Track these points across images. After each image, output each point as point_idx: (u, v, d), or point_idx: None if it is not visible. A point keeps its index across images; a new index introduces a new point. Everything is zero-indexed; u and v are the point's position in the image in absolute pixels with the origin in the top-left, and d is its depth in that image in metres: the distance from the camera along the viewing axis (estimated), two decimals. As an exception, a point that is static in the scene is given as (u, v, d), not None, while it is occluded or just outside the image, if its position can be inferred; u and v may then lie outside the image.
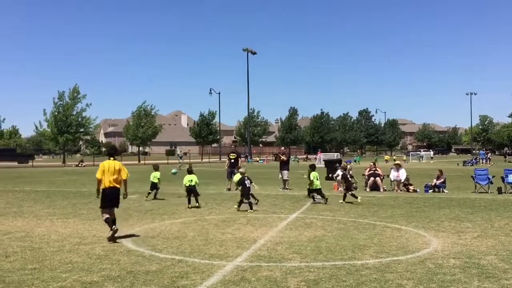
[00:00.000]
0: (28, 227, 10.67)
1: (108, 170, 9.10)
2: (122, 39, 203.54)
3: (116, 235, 9.05)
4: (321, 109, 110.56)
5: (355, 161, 56.37)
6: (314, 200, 15.39)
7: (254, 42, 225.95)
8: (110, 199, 9.09)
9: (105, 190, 9.08)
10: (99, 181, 9.10)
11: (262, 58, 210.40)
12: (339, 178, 20.06)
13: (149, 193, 16.41)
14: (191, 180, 14.28)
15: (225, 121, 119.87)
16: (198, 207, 13.97)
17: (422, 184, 20.68)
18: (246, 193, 13.68)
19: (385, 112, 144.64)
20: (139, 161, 62.81)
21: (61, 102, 59.34)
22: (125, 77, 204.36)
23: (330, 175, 25.23)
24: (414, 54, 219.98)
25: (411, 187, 19.76)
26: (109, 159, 9.35)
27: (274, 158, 64.84)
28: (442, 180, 19.86)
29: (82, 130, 61.32)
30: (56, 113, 58.81)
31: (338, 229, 10.49)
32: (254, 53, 73.55)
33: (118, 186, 9.16)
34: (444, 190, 19.35)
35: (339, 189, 19.77)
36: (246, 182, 13.84)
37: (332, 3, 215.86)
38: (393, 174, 20.40)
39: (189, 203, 14.17)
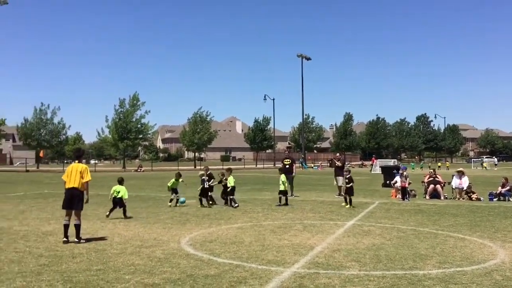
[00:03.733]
0: (92, 229, 11.10)
1: (70, 172, 9.44)
2: (179, 47, 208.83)
3: (174, 238, 9.26)
4: (377, 115, 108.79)
5: (413, 168, 54.82)
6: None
7: (308, 47, 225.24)
8: (68, 199, 9.38)
9: (65, 191, 9.48)
10: (64, 183, 9.54)
11: (316, 63, 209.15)
12: (397, 185, 19.57)
13: (171, 200, 16.29)
14: (118, 192, 13.29)
15: (279, 127, 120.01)
16: (127, 217, 13.00)
17: (486, 192, 19.79)
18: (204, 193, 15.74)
19: (444, 117, 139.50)
20: (195, 167, 64.02)
21: (121, 109, 61.55)
22: (182, 84, 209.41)
23: (387, 182, 24.65)
24: (475, 56, 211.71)
25: (474, 195, 18.95)
26: (75, 162, 9.72)
27: (329, 164, 64.16)
28: (508, 188, 18.91)
29: (141, 136, 63.26)
30: (117, 120, 61.01)
31: (397, 237, 10.22)
32: (308, 59, 73.39)
33: (78, 187, 9.36)
34: (511, 199, 18.42)
35: (397, 196, 19.28)
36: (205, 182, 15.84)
37: (385, 7, 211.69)
38: (455, 182, 19.65)
39: (109, 212, 13.16)
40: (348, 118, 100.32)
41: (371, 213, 14.60)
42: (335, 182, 20.59)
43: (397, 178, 19.86)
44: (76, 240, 9.36)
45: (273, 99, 77.94)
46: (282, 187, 16.50)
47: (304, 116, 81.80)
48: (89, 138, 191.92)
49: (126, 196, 13.45)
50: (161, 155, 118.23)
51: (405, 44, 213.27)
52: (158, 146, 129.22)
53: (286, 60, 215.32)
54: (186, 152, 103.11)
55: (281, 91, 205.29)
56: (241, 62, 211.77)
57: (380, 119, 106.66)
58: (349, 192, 15.97)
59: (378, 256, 8.21)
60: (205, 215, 13.67)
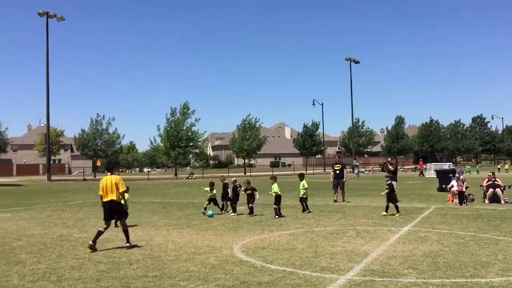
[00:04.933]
0: (147, 236, 11.37)
1: (105, 185, 9.71)
2: (227, 54, 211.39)
3: (226, 245, 9.33)
4: (430, 117, 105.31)
5: (468, 172, 52.82)
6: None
7: (357, 50, 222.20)
8: (108, 211, 9.76)
9: (104, 204, 9.80)
10: (101, 197, 9.85)
11: (365, 66, 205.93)
12: (453, 189, 18.90)
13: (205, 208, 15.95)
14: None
15: (328, 131, 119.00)
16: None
17: (551, 195, 18.74)
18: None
19: (502, 118, 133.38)
20: (245, 173, 64.39)
21: (172, 118, 62.89)
22: (231, 92, 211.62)
23: (443, 186, 23.84)
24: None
25: (538, 199, 17.99)
26: (107, 174, 9.92)
27: (381, 168, 62.91)
28: None
29: (191, 144, 64.31)
30: (168, 129, 62.38)
31: (456, 244, 9.85)
32: (357, 62, 72.42)
33: (115, 199, 9.67)
34: None
35: (454, 201, 18.61)
36: (237, 189, 15.88)
37: (437, 6, 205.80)
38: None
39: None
40: (400, 121, 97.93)
41: (427, 218, 14.16)
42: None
43: (453, 182, 19.16)
44: (128, 244, 9.74)
45: (322, 104, 77.45)
46: (301, 193, 15.90)
47: (354, 120, 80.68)
48: (142, 147, 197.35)
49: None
50: (211, 162, 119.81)
51: (458, 43, 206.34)
52: (208, 153, 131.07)
53: (334, 64, 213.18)
54: (236, 158, 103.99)
55: (329, 95, 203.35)
56: (289, 68, 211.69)
57: (434, 122, 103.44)
58: (393, 199, 15.16)
59: (436, 264, 7.93)
60: (257, 222, 13.70)
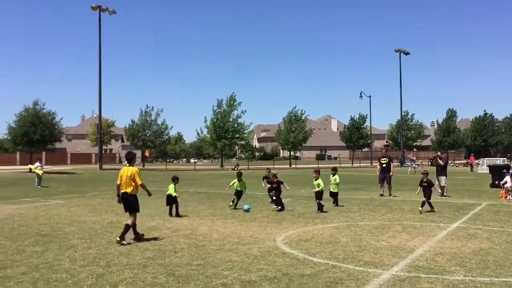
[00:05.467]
0: (193, 225, 11.59)
1: (121, 177, 9.54)
2: (274, 46, 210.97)
3: (270, 236, 9.37)
4: (484, 110, 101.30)
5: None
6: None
7: (406, 42, 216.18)
8: (124, 203, 9.56)
9: (121, 195, 9.59)
10: (118, 186, 9.65)
11: (415, 58, 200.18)
12: (507, 185, 18.16)
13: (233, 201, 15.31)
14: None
15: (376, 124, 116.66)
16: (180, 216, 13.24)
17: None
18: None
19: None
20: (290, 165, 64.35)
21: (219, 110, 63.53)
22: (277, 84, 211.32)
23: (496, 182, 22.95)
24: None
25: None
26: (126, 165, 9.73)
27: (430, 162, 61.28)
28: None
29: (237, 135, 64.79)
30: (215, 120, 63.09)
31: (507, 242, 9.48)
32: (407, 54, 70.62)
33: (128, 192, 9.44)
34: None
35: (508, 197, 17.89)
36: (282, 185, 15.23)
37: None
38: None
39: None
40: (452, 114, 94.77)
41: (477, 215, 13.69)
42: (437, 182, 19.58)
43: (507, 178, 18.41)
44: (118, 239, 9.22)
45: (370, 96, 76.00)
46: (317, 188, 14.52)
47: (403, 113, 78.81)
48: (190, 138, 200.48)
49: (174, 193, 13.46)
50: (257, 154, 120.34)
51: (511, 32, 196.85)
52: (254, 145, 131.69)
53: (384, 56, 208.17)
54: (281, 151, 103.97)
55: (377, 87, 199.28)
56: (336, 59, 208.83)
57: (488, 115, 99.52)
58: (429, 195, 14.43)
59: (485, 261, 7.67)
60: (301, 214, 13.67)
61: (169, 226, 11.51)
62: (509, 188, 17.86)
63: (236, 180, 15.48)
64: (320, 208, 14.19)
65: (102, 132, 65.33)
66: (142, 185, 9.61)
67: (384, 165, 19.64)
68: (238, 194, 15.32)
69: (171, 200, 13.41)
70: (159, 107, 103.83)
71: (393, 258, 7.93)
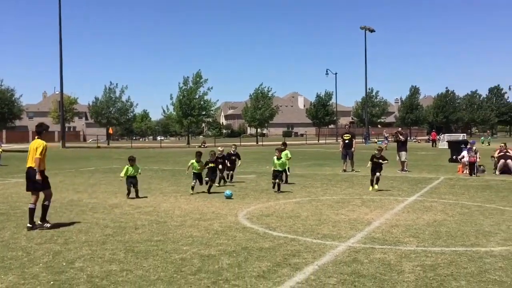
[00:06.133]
0: (155, 202, 11.55)
1: (29, 150, 8.54)
2: (240, 24, 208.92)
3: (232, 212, 9.48)
4: (446, 87, 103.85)
5: (482, 142, 52.33)
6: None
7: (371, 19, 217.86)
8: (27, 178, 8.46)
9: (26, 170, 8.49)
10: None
11: (380, 35, 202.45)
12: (464, 160, 18.78)
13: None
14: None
15: (342, 101, 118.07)
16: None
17: None
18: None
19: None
20: (257, 142, 64.55)
21: (185, 87, 62.85)
22: (244, 61, 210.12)
23: (454, 157, 23.71)
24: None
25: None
26: (35, 138, 8.66)
27: (392, 138, 62.61)
28: None
29: (204, 113, 64.41)
30: (181, 97, 62.44)
31: (461, 213, 9.85)
32: (372, 31, 71.18)
33: (33, 166, 8.32)
34: None
35: (464, 171, 18.52)
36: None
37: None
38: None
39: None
40: (415, 91, 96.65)
41: (434, 188, 14.15)
42: (397, 157, 20.08)
43: (464, 153, 19.04)
44: (39, 223, 8.41)
45: (335, 74, 76.62)
46: (276, 167, 13.37)
47: (368, 90, 79.86)
48: (156, 115, 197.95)
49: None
50: (224, 131, 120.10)
51: (475, 12, 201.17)
52: (221, 123, 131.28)
53: (349, 33, 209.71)
54: (248, 128, 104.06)
55: (343, 65, 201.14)
56: (303, 37, 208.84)
57: (450, 92, 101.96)
58: (379, 171, 13.78)
59: (438, 232, 7.97)
60: (264, 190, 13.80)
61: (131, 203, 11.44)
62: (466, 163, 18.47)
63: (194, 161, 13.54)
64: (279, 187, 13.28)
65: (65, 109, 63.68)
66: (38, 159, 8.28)
67: (347, 141, 19.96)
68: (198, 176, 13.38)
69: (130, 181, 12.48)
70: (124, 84, 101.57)
71: (350, 231, 8.14)
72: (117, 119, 64.95)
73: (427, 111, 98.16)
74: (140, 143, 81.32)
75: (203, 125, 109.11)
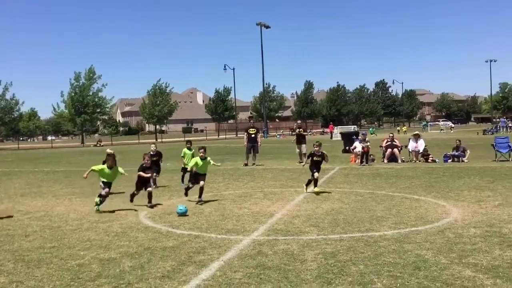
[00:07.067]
0: (47, 206, 10.78)
1: None
2: (135, 18, 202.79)
3: (132, 212, 9.10)
4: (337, 82, 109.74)
5: (371, 133, 56.01)
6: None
7: (267, 16, 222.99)
8: None
9: None
10: None
11: (276, 32, 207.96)
12: (356, 150, 19.88)
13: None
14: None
15: (240, 97, 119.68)
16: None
17: (441, 154, 20.37)
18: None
19: (402, 83, 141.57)
20: (156, 139, 63.22)
21: (77, 83, 59.76)
22: (140, 57, 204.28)
23: (347, 147, 25.04)
24: (431, 23, 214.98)
25: (430, 157, 19.50)
26: None
27: (291, 132, 64.71)
28: (461, 149, 19.56)
29: (98, 110, 61.79)
30: (73, 94, 59.31)
31: (355, 201, 10.40)
32: (267, 27, 72.73)
33: None
34: (464, 160, 19.05)
35: (357, 161, 19.61)
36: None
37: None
38: (411, 145, 20.15)
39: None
40: (309, 86, 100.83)
41: (331, 178, 14.81)
42: (297, 150, 20.74)
43: (356, 144, 20.16)
44: None
45: (233, 69, 77.31)
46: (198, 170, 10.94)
47: (265, 85, 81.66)
48: (45, 113, 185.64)
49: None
50: (121, 129, 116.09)
51: (362, 11, 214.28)
52: (117, 120, 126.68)
53: (246, 29, 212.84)
54: (147, 125, 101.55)
55: (241, 60, 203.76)
56: (200, 33, 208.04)
57: (340, 86, 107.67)
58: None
59: (336, 220, 8.32)
60: (165, 188, 13.50)
61: (20, 208, 10.56)
62: (358, 153, 19.58)
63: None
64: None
65: None
66: None
67: (253, 136, 20.18)
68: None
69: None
70: (7, 80, 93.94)
71: (254, 224, 8.21)
72: (0, 119, 59.94)
73: (321, 105, 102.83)
74: (29, 144, 75.89)
75: (98, 123, 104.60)
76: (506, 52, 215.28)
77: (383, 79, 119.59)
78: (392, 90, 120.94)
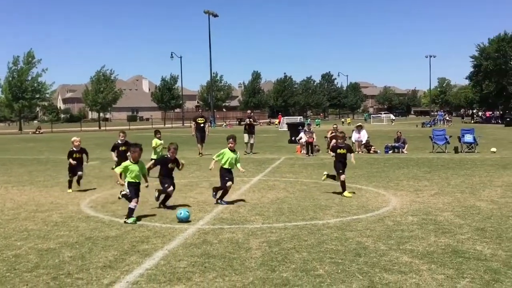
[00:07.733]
0: (-19, 196, 10.26)
1: None
2: (79, 1, 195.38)
3: (73, 201, 8.79)
4: (284, 73, 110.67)
5: (317, 125, 57.05)
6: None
7: (216, 4, 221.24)
8: None
9: None
10: None
11: (224, 20, 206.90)
12: (302, 140, 20.18)
13: None
14: None
15: (187, 85, 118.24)
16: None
17: (382, 145, 21.04)
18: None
19: (347, 76, 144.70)
20: (99, 127, 61.55)
21: (15, 67, 57.00)
22: (84, 42, 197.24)
23: (293, 138, 25.38)
24: (375, 17, 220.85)
25: (372, 148, 20.11)
26: None
27: (238, 122, 64.71)
28: (402, 141, 20.30)
29: (38, 96, 59.31)
30: (10, 79, 56.55)
31: (300, 190, 10.57)
32: (216, 16, 72.16)
33: None
34: (404, 151, 19.78)
35: (302, 151, 19.91)
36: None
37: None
38: (354, 136, 20.67)
39: None
40: (256, 76, 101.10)
41: (277, 168, 14.96)
42: (245, 140, 20.76)
43: (302, 134, 20.47)
44: None
45: (181, 57, 76.22)
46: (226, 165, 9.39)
47: (213, 75, 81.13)
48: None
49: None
50: (62, 116, 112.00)
51: (310, 4, 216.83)
52: (58, 107, 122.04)
53: (194, 17, 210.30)
54: (89, 112, 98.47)
55: (188, 49, 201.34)
56: (147, 19, 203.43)
57: (287, 78, 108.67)
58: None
59: (281, 209, 8.43)
60: (108, 177, 13.17)
61: (-50, 198, 9.99)
62: (304, 143, 19.89)
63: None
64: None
65: None
66: None
67: (202, 125, 19.97)
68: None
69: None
70: None
71: (199, 213, 8.18)
72: None
73: (268, 95, 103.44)
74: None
75: (38, 109, 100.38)
76: (445, 48, 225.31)
77: (329, 72, 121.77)
78: (337, 83, 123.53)
